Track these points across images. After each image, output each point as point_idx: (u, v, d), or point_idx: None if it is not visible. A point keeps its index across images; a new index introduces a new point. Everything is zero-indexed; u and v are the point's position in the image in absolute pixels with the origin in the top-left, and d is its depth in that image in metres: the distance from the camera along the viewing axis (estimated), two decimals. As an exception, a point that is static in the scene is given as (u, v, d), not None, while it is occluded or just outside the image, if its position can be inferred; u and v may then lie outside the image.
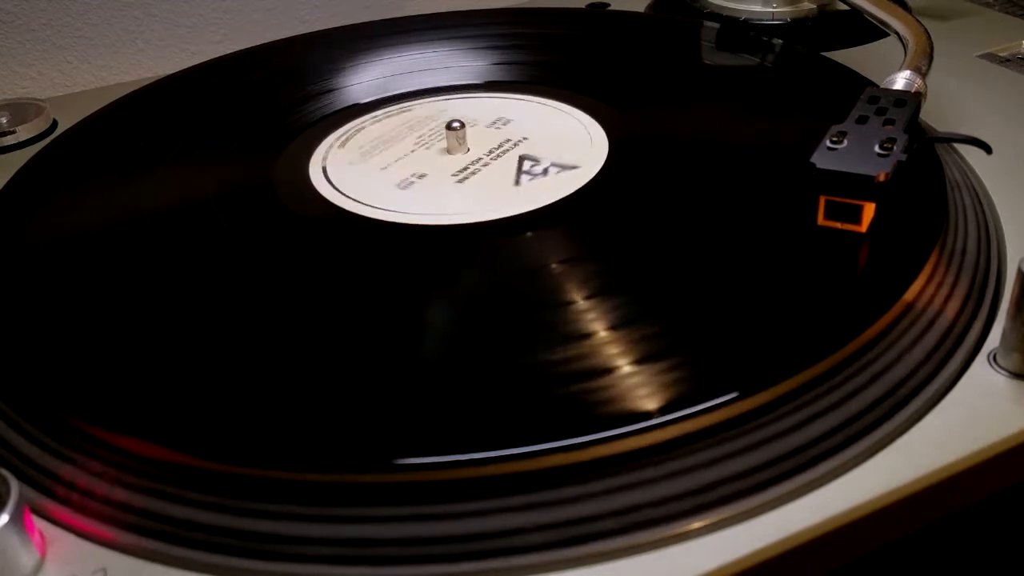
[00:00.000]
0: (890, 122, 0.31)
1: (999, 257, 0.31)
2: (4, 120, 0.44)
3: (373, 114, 0.42)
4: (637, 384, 0.24)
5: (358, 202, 0.34)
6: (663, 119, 0.39)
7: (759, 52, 0.45)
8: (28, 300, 0.30)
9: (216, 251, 0.32)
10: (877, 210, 0.29)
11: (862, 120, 0.31)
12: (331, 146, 0.39)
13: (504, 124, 0.40)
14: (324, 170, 0.37)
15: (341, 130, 0.40)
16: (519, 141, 0.38)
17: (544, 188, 0.34)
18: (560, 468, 0.23)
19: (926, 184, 0.32)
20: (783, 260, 0.29)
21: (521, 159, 0.36)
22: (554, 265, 0.30)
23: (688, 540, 0.22)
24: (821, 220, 0.30)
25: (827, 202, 0.29)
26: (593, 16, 0.53)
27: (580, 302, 0.28)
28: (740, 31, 0.49)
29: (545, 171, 0.35)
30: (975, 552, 0.28)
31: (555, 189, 0.34)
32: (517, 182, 0.35)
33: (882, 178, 0.28)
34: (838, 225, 0.29)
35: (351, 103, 0.42)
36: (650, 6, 0.57)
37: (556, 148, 0.37)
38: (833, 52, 0.47)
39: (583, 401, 0.24)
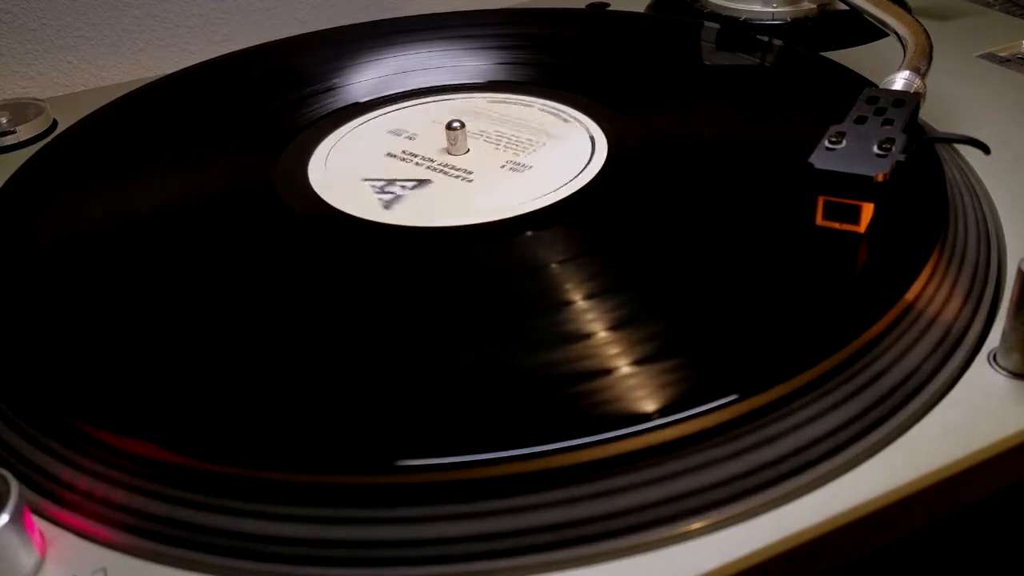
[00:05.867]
0: (889, 122, 0.31)
1: (999, 257, 0.31)
2: (4, 120, 0.44)
3: (373, 114, 0.42)
4: (637, 385, 0.24)
5: (358, 203, 0.34)
6: (662, 119, 0.39)
7: (759, 52, 0.45)
8: (27, 300, 0.30)
9: (216, 251, 0.32)
10: (876, 210, 0.29)
11: (861, 120, 0.31)
12: (331, 146, 0.39)
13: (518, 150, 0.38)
14: (324, 170, 0.37)
15: (341, 130, 0.40)
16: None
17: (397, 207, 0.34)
18: (560, 469, 0.23)
19: (926, 184, 0.32)
20: (783, 261, 0.29)
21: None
22: (554, 265, 0.30)
23: (688, 540, 0.22)
24: (820, 220, 0.30)
25: (825, 202, 0.29)
26: (593, 16, 0.53)
27: (580, 302, 0.28)
28: (740, 31, 0.49)
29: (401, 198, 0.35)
30: (975, 552, 0.28)
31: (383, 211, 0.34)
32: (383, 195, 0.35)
33: (880, 178, 0.28)
34: (836, 225, 0.29)
35: (351, 103, 0.42)
36: (650, 6, 0.57)
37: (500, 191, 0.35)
38: (833, 52, 0.47)
39: (583, 402, 0.24)
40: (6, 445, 0.26)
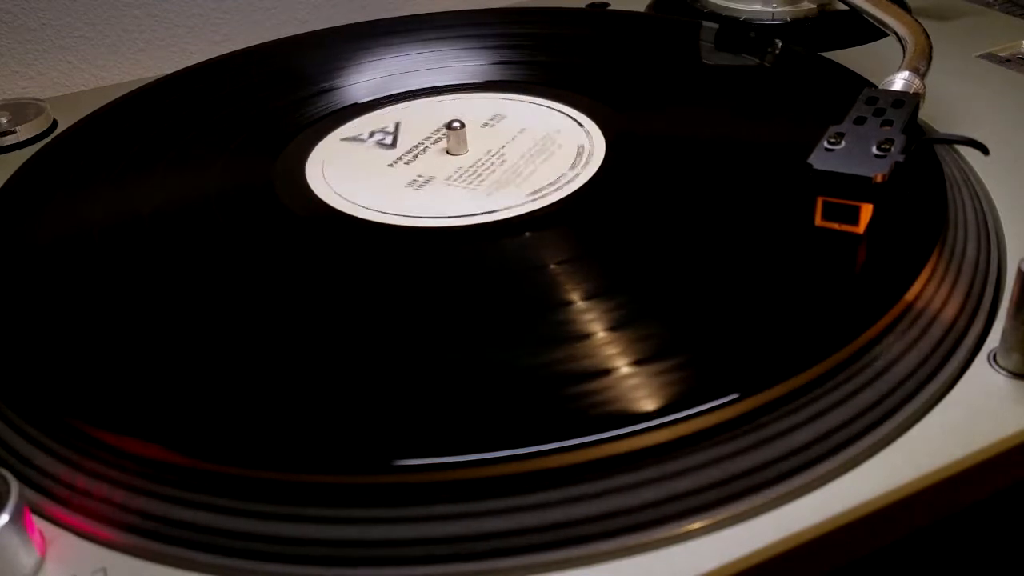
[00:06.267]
0: (888, 123, 0.31)
1: (999, 257, 0.31)
2: (4, 120, 0.44)
3: (372, 114, 0.42)
4: (636, 385, 0.24)
5: (356, 204, 0.34)
6: (662, 119, 0.39)
7: (758, 52, 0.45)
8: (27, 300, 0.30)
9: (215, 252, 0.32)
10: (875, 211, 0.29)
11: (860, 121, 0.31)
12: (330, 146, 0.39)
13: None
14: (322, 170, 0.37)
15: (340, 130, 0.40)
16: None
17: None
18: (560, 469, 0.23)
19: (926, 184, 0.32)
20: (782, 261, 0.29)
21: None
22: (553, 265, 0.30)
23: (688, 540, 0.22)
24: (819, 221, 0.30)
25: (824, 203, 0.29)
26: (593, 16, 0.53)
27: (579, 303, 0.28)
28: (739, 31, 0.49)
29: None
30: (975, 552, 0.28)
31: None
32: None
33: (879, 179, 0.28)
34: (835, 226, 0.29)
35: (350, 103, 0.42)
36: (650, 6, 0.57)
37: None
38: (832, 52, 0.47)
39: (582, 402, 0.24)
40: (6, 445, 0.26)
